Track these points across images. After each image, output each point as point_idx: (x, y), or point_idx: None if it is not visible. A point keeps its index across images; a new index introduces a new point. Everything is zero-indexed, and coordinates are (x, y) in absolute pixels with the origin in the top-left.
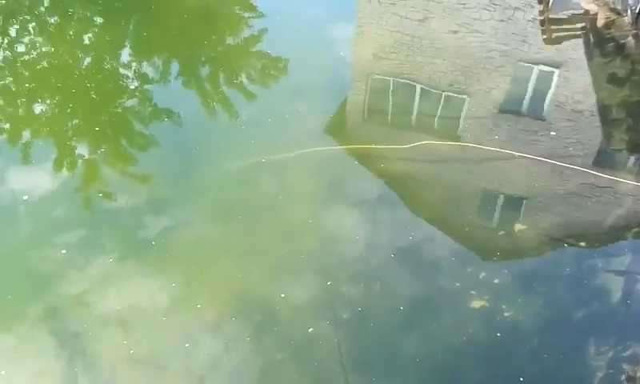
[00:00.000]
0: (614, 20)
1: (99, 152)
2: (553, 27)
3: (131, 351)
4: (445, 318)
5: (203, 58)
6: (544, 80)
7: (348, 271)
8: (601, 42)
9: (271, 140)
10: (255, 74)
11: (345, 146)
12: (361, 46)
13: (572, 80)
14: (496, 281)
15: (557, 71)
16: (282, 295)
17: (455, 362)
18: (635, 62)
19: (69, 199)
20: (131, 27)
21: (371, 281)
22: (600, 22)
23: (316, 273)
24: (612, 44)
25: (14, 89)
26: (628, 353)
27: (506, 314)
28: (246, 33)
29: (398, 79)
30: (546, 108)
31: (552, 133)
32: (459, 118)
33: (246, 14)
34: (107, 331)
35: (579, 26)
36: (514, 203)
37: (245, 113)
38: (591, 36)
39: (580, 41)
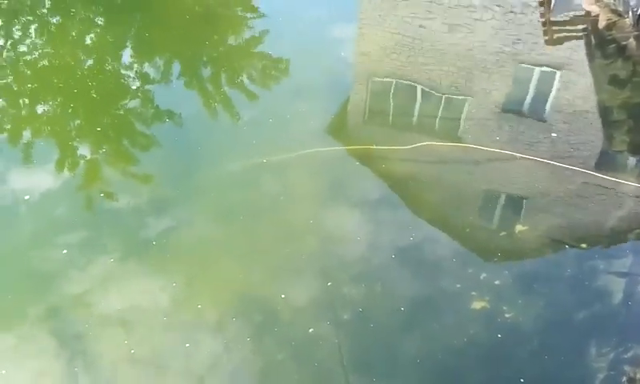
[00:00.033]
0: (615, 21)
1: (101, 152)
2: (554, 29)
3: (132, 351)
4: (445, 319)
5: (205, 59)
6: (545, 81)
7: (349, 272)
8: (602, 43)
9: (272, 140)
10: (256, 75)
11: (346, 147)
12: (362, 47)
13: (573, 81)
14: (497, 282)
15: (558, 73)
16: (283, 295)
17: (456, 362)
18: (636, 64)
19: (70, 199)
20: (133, 28)
21: (372, 281)
22: (601, 24)
23: (317, 273)
24: (613, 45)
25: (15, 89)
26: (629, 354)
27: (506, 315)
28: (247, 33)
29: (399, 80)
30: (547, 109)
31: (553, 134)
32: (460, 119)
33: (248, 15)
34: (108, 331)
35: (580, 27)
36: (514, 204)
37: (246, 113)
38: (592, 37)
39: (581, 42)
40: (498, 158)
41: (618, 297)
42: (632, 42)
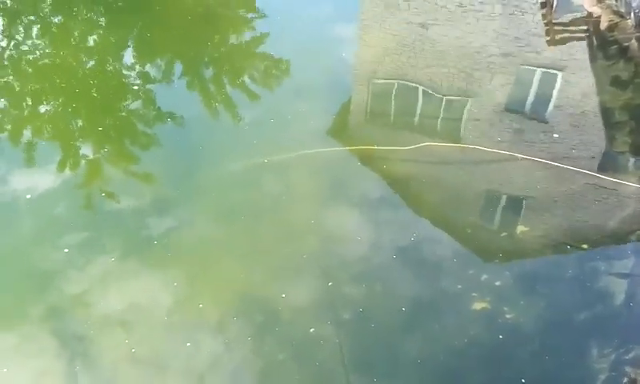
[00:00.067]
0: (617, 23)
1: (102, 152)
2: (556, 29)
3: (133, 350)
4: (446, 320)
5: (206, 59)
6: (547, 82)
7: (350, 272)
8: (604, 44)
9: (274, 140)
10: (258, 75)
11: (347, 147)
12: (363, 48)
13: (575, 83)
14: (498, 283)
15: (560, 74)
16: (284, 295)
17: (457, 363)
18: (638, 65)
19: (71, 198)
20: (134, 28)
21: (373, 281)
22: (603, 25)
23: (318, 273)
24: (615, 47)
25: (18, 88)
26: (630, 355)
27: (507, 316)
28: (248, 34)
29: (400, 81)
30: (548, 110)
31: (555, 135)
32: (461, 119)
33: (249, 15)
34: (109, 330)
35: (582, 28)
36: (516, 205)
37: (247, 113)
38: (594, 39)
39: (583, 43)
40: (499, 159)
41: (619, 298)
42: (634, 43)
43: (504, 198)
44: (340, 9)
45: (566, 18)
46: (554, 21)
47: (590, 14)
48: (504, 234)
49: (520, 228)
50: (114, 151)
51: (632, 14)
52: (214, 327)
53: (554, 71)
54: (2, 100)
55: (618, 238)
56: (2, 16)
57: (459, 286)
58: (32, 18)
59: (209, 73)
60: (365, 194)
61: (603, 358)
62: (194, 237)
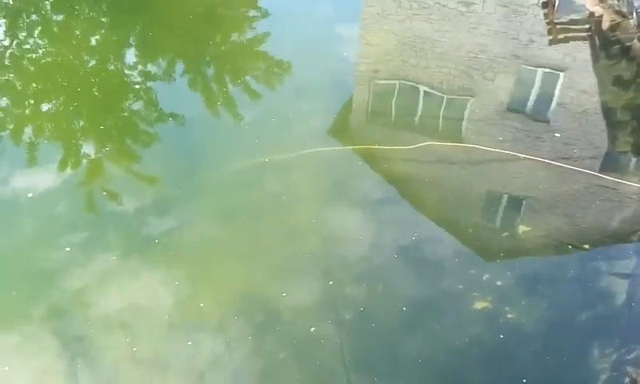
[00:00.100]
0: (619, 23)
1: (104, 151)
2: (558, 29)
3: (134, 349)
4: (447, 319)
5: (207, 59)
6: (549, 82)
7: (351, 271)
8: (606, 44)
9: (275, 140)
10: (259, 75)
11: (348, 147)
12: (365, 47)
13: (577, 82)
14: (499, 282)
15: (562, 74)
16: (285, 295)
17: (458, 363)
18: None
19: (72, 197)
20: (136, 27)
21: (374, 281)
22: (605, 25)
23: (319, 273)
24: (617, 46)
25: (19, 88)
26: (632, 356)
27: (509, 316)
28: (249, 33)
29: (401, 81)
30: (550, 110)
31: (556, 135)
32: (463, 119)
33: (250, 15)
34: (110, 329)
35: (584, 28)
36: (517, 205)
37: (249, 113)
38: (596, 38)
39: (585, 43)
40: (500, 159)
41: (620, 298)
42: (636, 42)
43: (505, 197)
44: (341, 8)
45: (568, 17)
46: (555, 21)
47: (592, 14)
48: (505, 233)
49: (521, 228)
50: (116, 150)
51: (634, 14)
52: (215, 326)
53: (556, 71)
54: (4, 98)
55: (620, 238)
56: (4, 15)
57: (460, 286)
58: (34, 16)
59: (210, 72)
60: (366, 194)
61: (605, 358)
62: (195, 236)
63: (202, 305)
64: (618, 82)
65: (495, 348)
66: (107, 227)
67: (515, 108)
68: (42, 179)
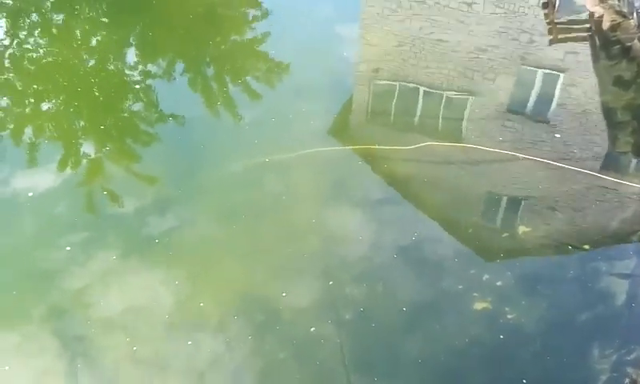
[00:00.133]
0: (619, 23)
1: (104, 151)
2: (558, 29)
3: (134, 348)
4: (447, 320)
5: (207, 59)
6: (549, 82)
7: (351, 271)
8: (606, 44)
9: (275, 140)
10: (259, 75)
11: (348, 147)
12: (365, 47)
13: (577, 82)
14: (499, 283)
15: (562, 74)
16: (285, 294)
17: (458, 363)
18: None
19: (72, 197)
20: (136, 27)
21: (374, 281)
22: (606, 25)
23: (319, 273)
24: (618, 47)
25: (20, 87)
26: (632, 356)
27: (509, 317)
28: (249, 33)
29: (401, 81)
30: (550, 110)
31: (556, 135)
32: (463, 119)
33: (250, 16)
34: (110, 329)
35: (585, 28)
36: (517, 205)
37: (249, 113)
38: (597, 39)
39: (586, 44)
40: (500, 159)
41: (620, 298)
42: (636, 43)
43: (505, 198)
44: (341, 8)
45: (569, 18)
46: (556, 21)
47: (592, 14)
48: (505, 234)
49: (521, 228)
50: (116, 150)
51: (635, 14)
52: (215, 326)
53: (556, 71)
54: (4, 98)
55: (620, 238)
56: (5, 15)
57: (460, 286)
58: (34, 16)
59: (210, 72)
60: (366, 194)
61: (605, 358)
62: (195, 236)
63: (202, 305)
64: (619, 82)
65: (495, 348)
66: (107, 227)
67: (515, 108)
68: (42, 179)
